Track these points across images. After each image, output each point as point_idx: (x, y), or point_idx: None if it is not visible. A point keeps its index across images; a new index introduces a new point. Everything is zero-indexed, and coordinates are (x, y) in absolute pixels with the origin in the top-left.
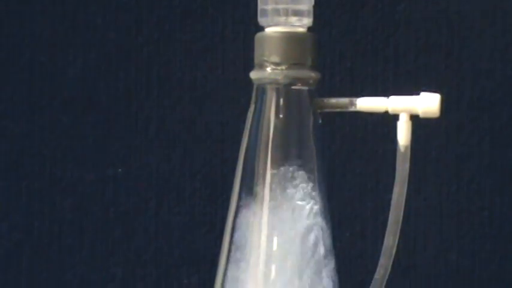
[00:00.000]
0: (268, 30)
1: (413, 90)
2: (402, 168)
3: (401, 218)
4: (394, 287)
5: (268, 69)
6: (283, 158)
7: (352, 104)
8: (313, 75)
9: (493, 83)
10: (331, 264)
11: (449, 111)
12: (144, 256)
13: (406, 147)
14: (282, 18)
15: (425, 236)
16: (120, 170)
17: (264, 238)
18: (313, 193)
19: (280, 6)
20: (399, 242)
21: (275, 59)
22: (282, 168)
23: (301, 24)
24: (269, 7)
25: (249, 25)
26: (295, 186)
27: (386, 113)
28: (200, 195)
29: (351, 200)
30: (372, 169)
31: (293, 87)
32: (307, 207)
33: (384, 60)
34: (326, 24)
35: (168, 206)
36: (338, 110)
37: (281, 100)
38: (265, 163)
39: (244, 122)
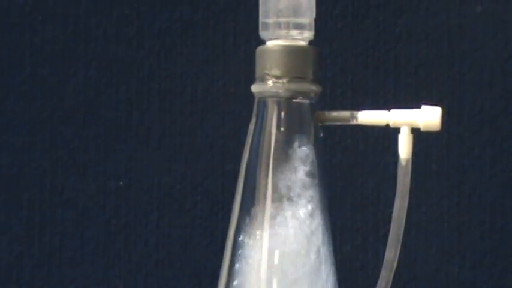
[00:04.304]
0: (270, 43)
1: (415, 103)
2: (403, 181)
3: (402, 230)
4: None
5: (270, 83)
6: (284, 171)
7: (353, 117)
8: (314, 88)
9: (494, 95)
10: (332, 277)
11: (450, 123)
12: (145, 269)
13: (407, 161)
14: (283, 32)
15: (426, 249)
16: (121, 182)
17: (265, 251)
18: (314, 206)
19: (282, 20)
20: (400, 255)
21: (276, 72)
22: (283, 181)
23: (302, 38)
24: (270, 20)
25: (250, 38)
26: (296, 199)
27: (387, 126)
28: (201, 207)
29: (352, 213)
30: (373, 182)
31: (294, 100)
32: (308, 220)
33: (384, 73)
34: (327, 38)
35: (169, 219)
36: (339, 123)
37: (282, 113)
38: (267, 176)
39: (245, 134)
